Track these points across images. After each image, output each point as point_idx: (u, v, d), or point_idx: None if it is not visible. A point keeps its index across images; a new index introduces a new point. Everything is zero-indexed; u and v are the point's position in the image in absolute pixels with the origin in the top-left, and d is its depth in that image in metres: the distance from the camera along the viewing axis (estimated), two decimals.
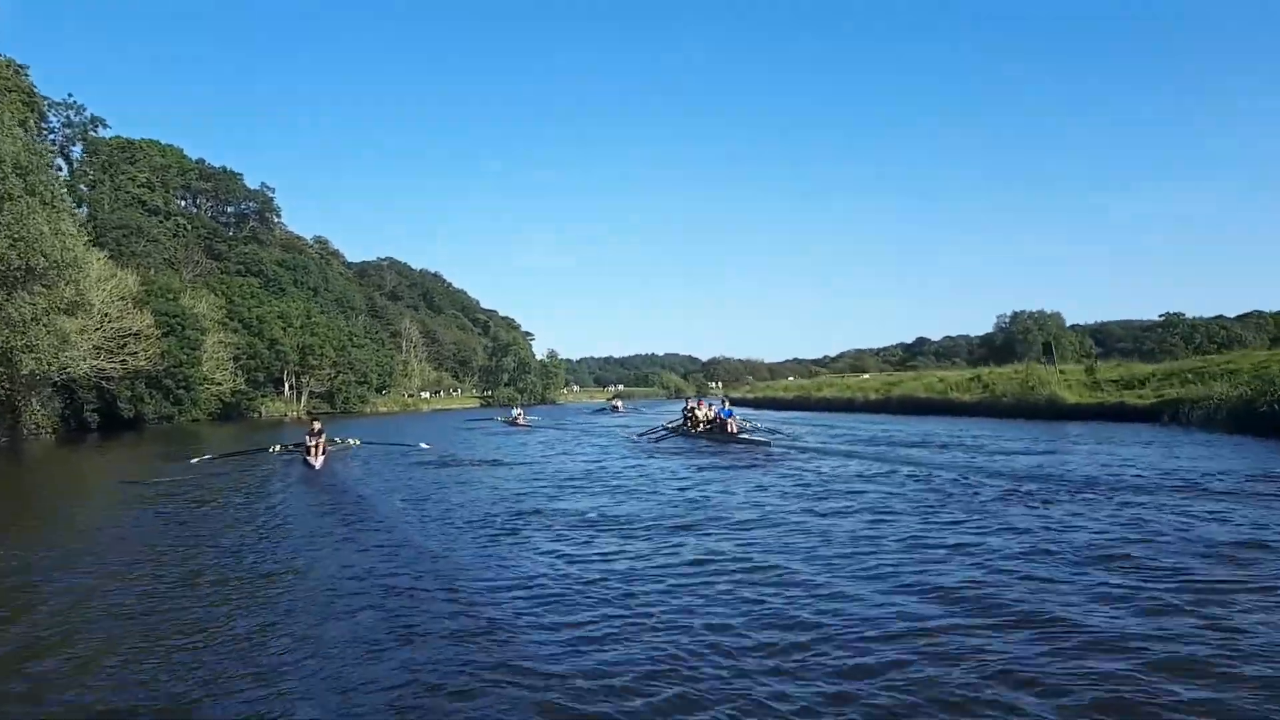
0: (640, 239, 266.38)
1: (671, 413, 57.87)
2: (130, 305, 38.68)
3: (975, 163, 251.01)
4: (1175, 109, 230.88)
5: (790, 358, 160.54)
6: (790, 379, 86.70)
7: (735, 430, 21.47)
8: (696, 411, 23.88)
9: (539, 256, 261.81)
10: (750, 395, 42.79)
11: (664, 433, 24.02)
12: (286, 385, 73.33)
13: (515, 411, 44.51)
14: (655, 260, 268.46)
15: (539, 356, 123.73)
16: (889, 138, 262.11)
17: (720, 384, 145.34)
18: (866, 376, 79.04)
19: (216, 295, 62.27)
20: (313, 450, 17.49)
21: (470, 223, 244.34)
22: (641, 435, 24.93)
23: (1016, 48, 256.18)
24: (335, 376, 77.49)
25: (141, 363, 38.27)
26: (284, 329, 69.08)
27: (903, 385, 37.37)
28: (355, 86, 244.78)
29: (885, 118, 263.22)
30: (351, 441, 21.03)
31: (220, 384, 54.82)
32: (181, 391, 48.81)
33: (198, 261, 77.27)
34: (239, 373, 59.11)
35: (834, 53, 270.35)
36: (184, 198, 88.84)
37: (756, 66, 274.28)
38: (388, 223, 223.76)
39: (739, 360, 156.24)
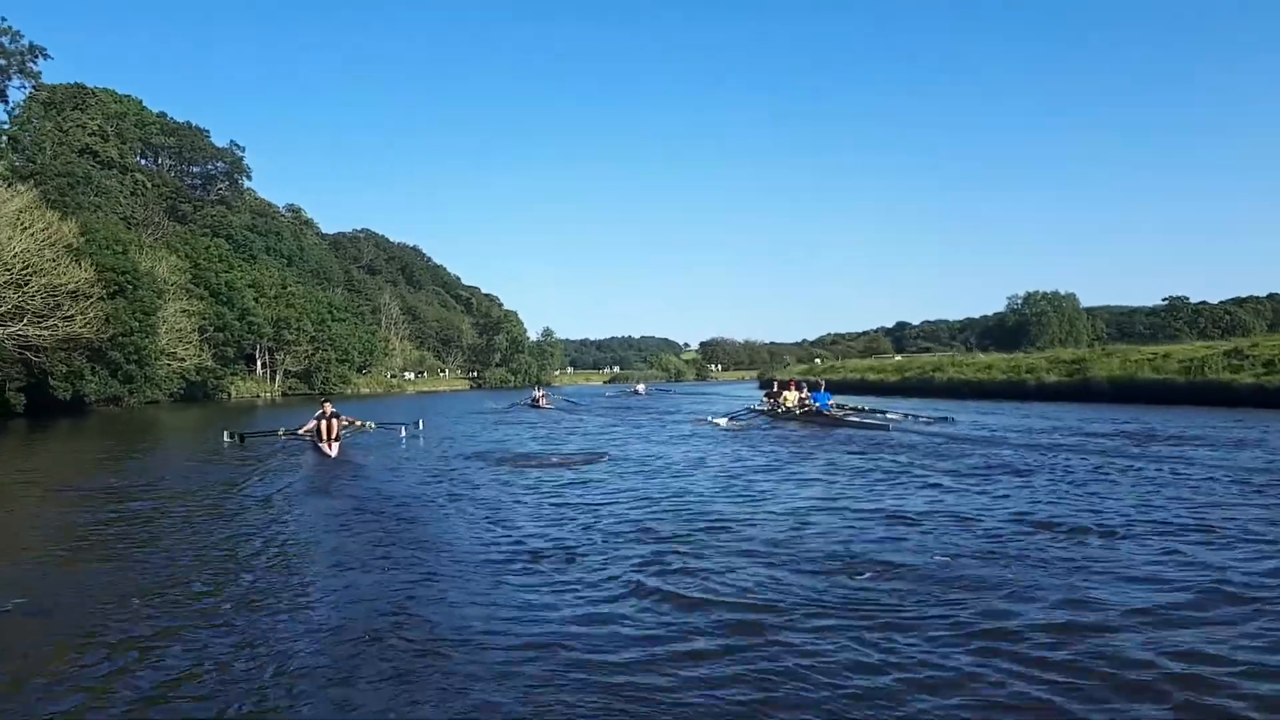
0: (613, 222, 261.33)
1: (688, 394, 52.79)
2: (65, 256, 30.84)
3: (948, 148, 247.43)
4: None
5: (768, 341, 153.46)
6: (817, 360, 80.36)
7: (841, 416, 20.16)
8: (786, 394, 22.86)
9: (513, 236, 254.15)
10: (813, 378, 35.96)
11: (750, 415, 22.93)
12: (259, 363, 65.44)
13: (536, 393, 40.11)
14: (630, 244, 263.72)
15: (530, 335, 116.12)
16: (869, 123, 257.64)
17: (719, 366, 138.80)
18: (899, 357, 73.06)
19: (180, 258, 54.05)
20: (325, 436, 15.71)
21: (445, 198, 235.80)
22: (713, 419, 22.79)
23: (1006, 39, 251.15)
24: (314, 354, 69.51)
25: (79, 328, 30.58)
26: (257, 298, 61.09)
27: (1098, 364, 29.37)
28: (325, 53, 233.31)
29: (869, 106, 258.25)
30: (368, 424, 18.38)
31: (183, 359, 46.93)
32: (133, 367, 40.47)
33: (159, 223, 68.53)
34: (205, 347, 51.24)
35: (818, 33, 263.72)
36: (144, 155, 79.70)
37: (738, 45, 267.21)
38: (363, 193, 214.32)
39: (740, 341, 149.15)
